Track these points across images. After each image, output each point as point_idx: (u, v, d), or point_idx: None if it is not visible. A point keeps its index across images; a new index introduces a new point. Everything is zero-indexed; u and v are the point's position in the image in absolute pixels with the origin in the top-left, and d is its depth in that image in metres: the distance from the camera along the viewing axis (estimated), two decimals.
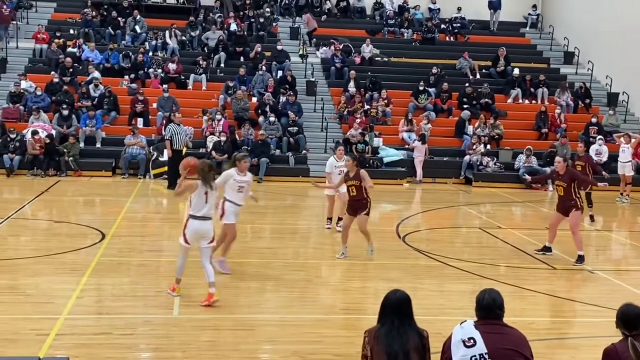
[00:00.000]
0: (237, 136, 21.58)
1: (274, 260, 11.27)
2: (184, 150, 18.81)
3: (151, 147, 20.73)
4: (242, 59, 25.80)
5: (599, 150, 20.83)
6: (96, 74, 23.52)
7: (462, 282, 10.32)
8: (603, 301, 9.55)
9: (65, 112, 21.42)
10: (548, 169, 19.94)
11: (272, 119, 22.17)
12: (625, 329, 4.73)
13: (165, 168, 19.99)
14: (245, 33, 26.98)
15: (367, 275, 10.79)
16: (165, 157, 20.14)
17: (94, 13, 26.86)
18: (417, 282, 10.30)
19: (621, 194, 18.98)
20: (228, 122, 21.84)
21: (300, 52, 26.92)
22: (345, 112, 23.38)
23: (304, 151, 21.87)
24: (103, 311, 8.59)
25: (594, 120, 23.36)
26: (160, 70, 24.48)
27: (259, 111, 22.80)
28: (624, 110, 25.51)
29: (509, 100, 25.44)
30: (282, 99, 23.28)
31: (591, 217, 15.59)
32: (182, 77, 24.42)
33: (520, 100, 25.42)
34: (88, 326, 7.89)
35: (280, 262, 11.22)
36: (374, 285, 9.98)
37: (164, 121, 21.58)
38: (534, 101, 25.29)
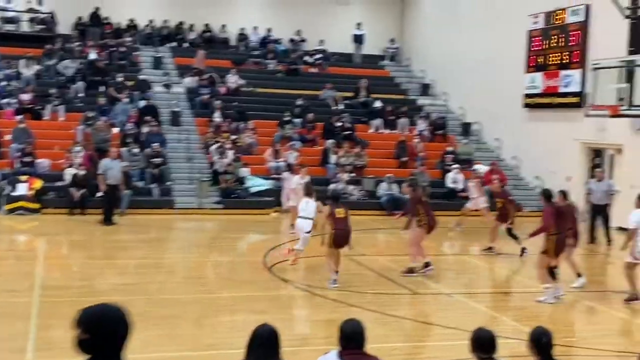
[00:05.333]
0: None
1: (138, 297, 10.93)
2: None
3: (5, 181, 19.66)
4: (102, 88, 25.08)
5: (455, 179, 21.78)
6: None
7: (329, 311, 10.43)
8: (461, 324, 9.95)
9: None
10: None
11: (135, 150, 21.67)
12: (481, 352, 4.94)
13: (21, 203, 19.15)
14: (106, 62, 26.31)
15: (234, 308, 10.69)
16: (19, 191, 19.28)
17: None
18: (284, 313, 10.32)
19: None
20: (89, 153, 21.09)
21: (164, 82, 26.57)
22: (212, 143, 23.22)
23: (168, 182, 21.48)
24: None
25: (449, 148, 24.51)
26: (15, 101, 23.34)
27: (121, 142, 22.21)
28: (477, 138, 26.94)
29: (371, 130, 26.23)
30: (145, 129, 22.81)
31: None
32: (38, 108, 23.38)
33: (382, 130, 26.27)
34: None
35: (145, 298, 10.90)
36: (243, 318, 9.89)
37: (19, 153, 20.64)
38: (394, 131, 26.20)
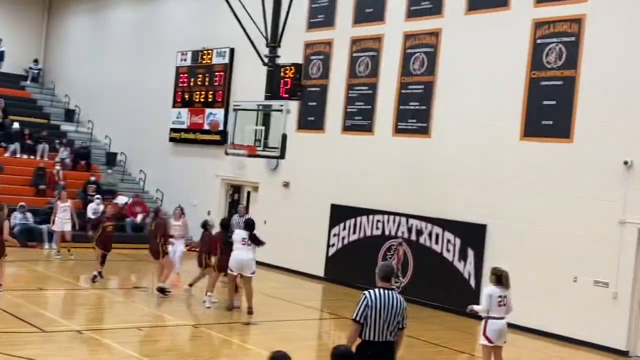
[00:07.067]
0: None
1: None
2: None
3: None
4: None
5: (96, 210, 21.11)
6: None
7: None
8: None
9: None
10: (45, 227, 19.98)
11: None
12: None
13: None
14: None
15: None
16: None
17: None
18: None
19: None
20: None
21: None
22: None
23: None
24: None
25: (92, 178, 23.75)
26: None
27: None
28: (122, 169, 26.58)
29: (7, 154, 24.34)
30: None
31: (98, 274, 15.68)
32: None
33: (19, 155, 24.53)
34: None
35: None
36: None
37: None
38: (32, 156, 24.63)
